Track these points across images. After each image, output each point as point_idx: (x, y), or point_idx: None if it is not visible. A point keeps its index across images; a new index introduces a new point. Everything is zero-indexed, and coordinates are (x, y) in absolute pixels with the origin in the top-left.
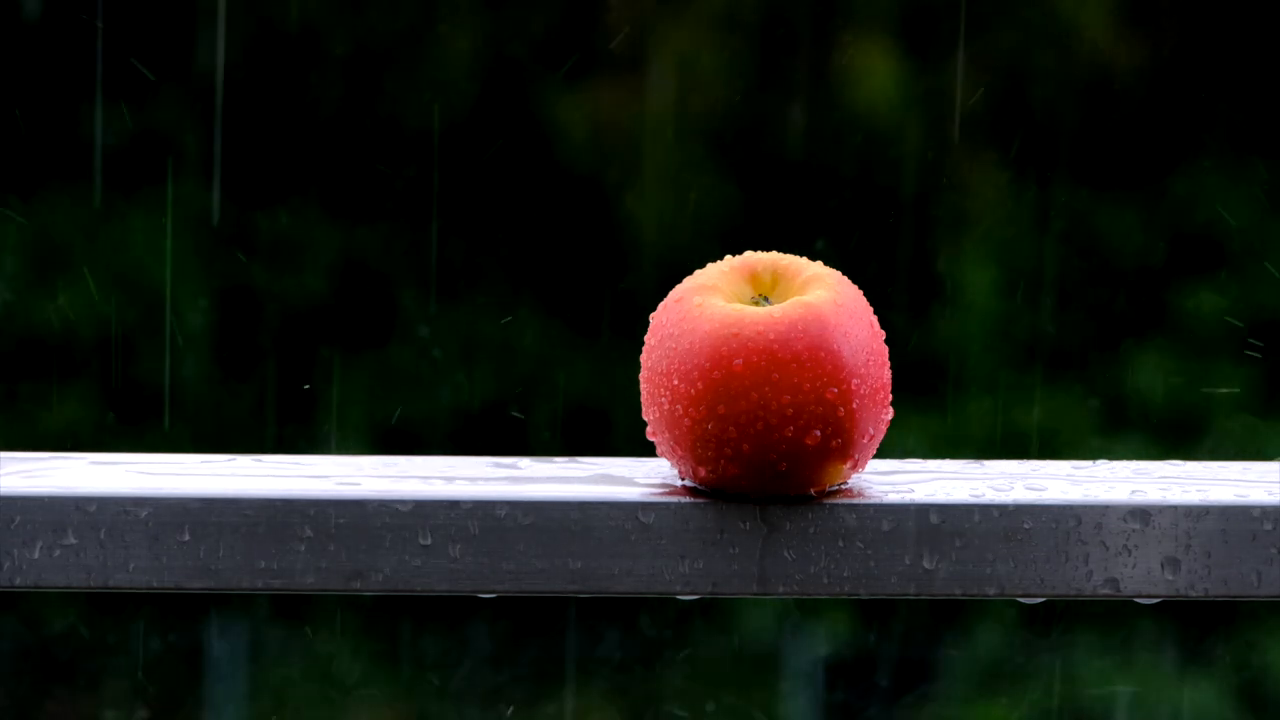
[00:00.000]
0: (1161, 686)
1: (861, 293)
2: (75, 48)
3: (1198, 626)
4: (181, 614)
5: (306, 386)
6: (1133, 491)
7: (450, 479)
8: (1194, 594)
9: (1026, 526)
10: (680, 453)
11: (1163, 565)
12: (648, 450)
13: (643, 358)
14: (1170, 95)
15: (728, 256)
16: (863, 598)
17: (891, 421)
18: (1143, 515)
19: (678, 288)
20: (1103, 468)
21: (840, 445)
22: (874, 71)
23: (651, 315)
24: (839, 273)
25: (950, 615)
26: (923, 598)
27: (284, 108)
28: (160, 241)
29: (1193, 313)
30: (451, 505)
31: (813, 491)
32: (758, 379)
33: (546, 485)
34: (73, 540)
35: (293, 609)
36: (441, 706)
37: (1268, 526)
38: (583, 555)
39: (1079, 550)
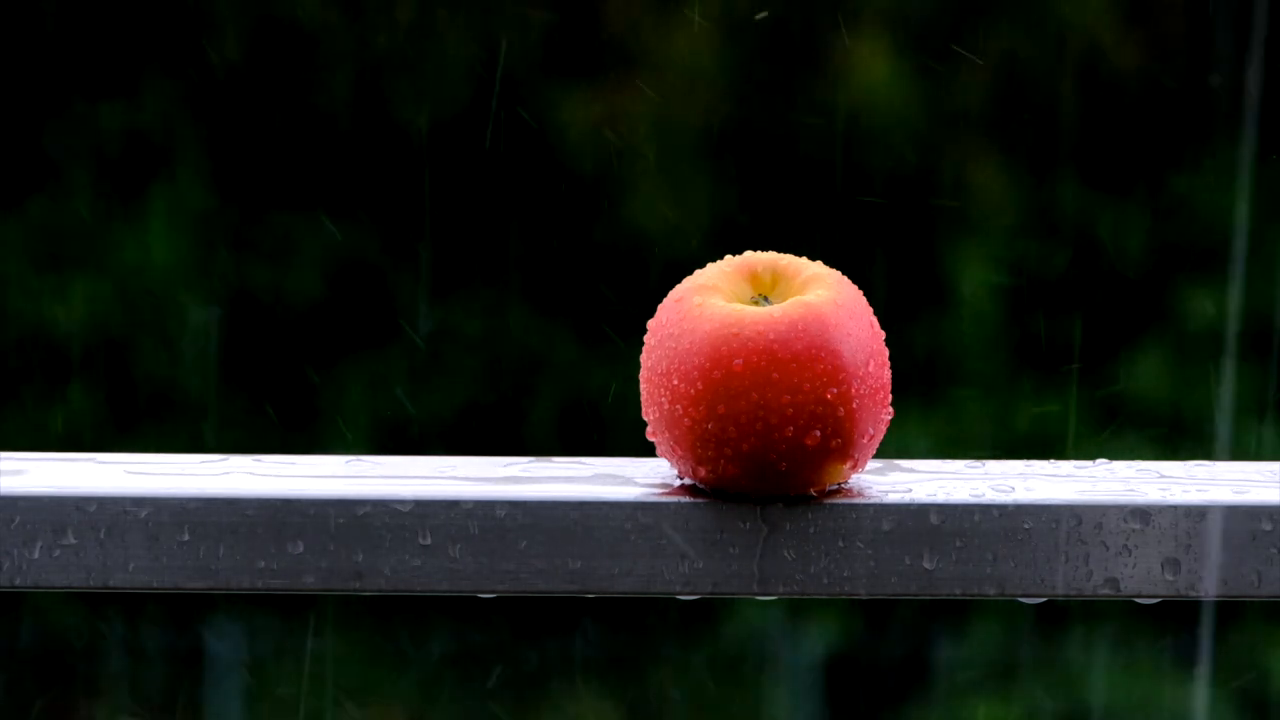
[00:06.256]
0: (1160, 687)
1: (861, 292)
2: (75, 47)
3: (1197, 627)
4: (181, 614)
5: (306, 386)
6: (1133, 491)
7: (450, 479)
8: (1194, 594)
9: (1026, 526)
10: (680, 453)
11: (1163, 565)
12: (648, 450)
13: (642, 358)
14: (1170, 94)
15: (728, 256)
16: (863, 598)
17: (891, 421)
18: (1143, 515)
19: (677, 288)
20: (1103, 468)
21: (840, 445)
22: (874, 71)
23: (651, 316)
24: (839, 272)
25: (948, 615)
26: (923, 598)
27: (283, 108)
28: (160, 241)
29: (1192, 313)
30: (451, 505)
31: (813, 491)
32: (758, 379)
33: (546, 485)
34: (72, 540)
35: (292, 608)
36: (441, 706)
37: (1268, 526)
38: (583, 555)
39: (1079, 550)
